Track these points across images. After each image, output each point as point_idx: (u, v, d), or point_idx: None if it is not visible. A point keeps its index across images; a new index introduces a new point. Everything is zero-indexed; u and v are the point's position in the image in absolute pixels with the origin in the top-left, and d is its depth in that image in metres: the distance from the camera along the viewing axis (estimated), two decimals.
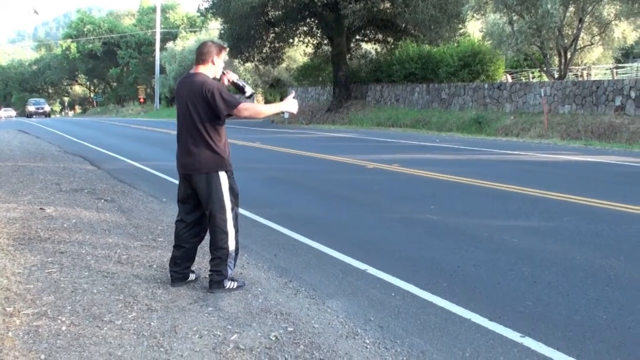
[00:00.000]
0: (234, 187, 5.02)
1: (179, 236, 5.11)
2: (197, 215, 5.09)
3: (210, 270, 5.02)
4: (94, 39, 72.60)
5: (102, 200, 9.05)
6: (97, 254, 5.97)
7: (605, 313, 4.52)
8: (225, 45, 5.05)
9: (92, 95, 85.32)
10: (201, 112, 4.83)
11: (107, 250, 6.13)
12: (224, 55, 5.04)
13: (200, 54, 4.98)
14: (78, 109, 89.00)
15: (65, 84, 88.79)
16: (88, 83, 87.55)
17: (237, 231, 5.05)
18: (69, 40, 74.81)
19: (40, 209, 8.21)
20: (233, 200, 5.01)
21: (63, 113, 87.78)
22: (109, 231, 7.03)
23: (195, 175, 4.91)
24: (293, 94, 5.38)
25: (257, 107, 5.22)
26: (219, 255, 4.94)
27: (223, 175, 4.94)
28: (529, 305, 4.74)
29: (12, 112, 66.86)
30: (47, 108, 64.55)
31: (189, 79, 4.97)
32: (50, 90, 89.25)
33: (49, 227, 7.08)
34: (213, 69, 4.97)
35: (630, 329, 4.25)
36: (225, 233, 4.95)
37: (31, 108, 61.85)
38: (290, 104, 5.17)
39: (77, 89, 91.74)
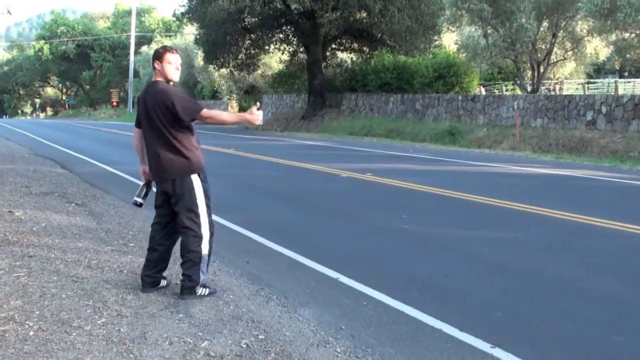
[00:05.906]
0: (207, 190, 5.02)
1: (153, 238, 5.10)
2: (172, 218, 5.07)
3: (182, 275, 4.98)
4: (67, 41, 71.77)
5: (73, 204, 8.95)
6: (66, 259, 5.90)
7: (573, 324, 4.58)
8: (169, 48, 4.96)
9: (64, 98, 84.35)
10: (164, 120, 4.84)
11: (77, 255, 6.05)
12: (169, 57, 4.95)
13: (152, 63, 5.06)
14: (49, 111, 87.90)
15: (37, 85, 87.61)
16: (60, 85, 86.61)
17: (211, 235, 5.05)
18: (41, 42, 73.78)
19: (9, 211, 8.08)
20: (208, 204, 5.01)
21: (34, 115, 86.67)
22: (79, 235, 6.95)
23: (165, 180, 4.93)
24: (258, 104, 5.05)
25: (220, 116, 5.11)
26: (191, 257, 4.91)
27: (195, 178, 4.94)
28: (499, 315, 4.79)
29: None
30: None
31: (151, 87, 4.98)
32: (21, 92, 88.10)
33: (17, 231, 6.97)
34: (161, 74, 4.96)
35: (597, 340, 4.31)
36: (199, 237, 4.94)
37: None
38: (254, 116, 4.88)
39: (49, 91, 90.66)
